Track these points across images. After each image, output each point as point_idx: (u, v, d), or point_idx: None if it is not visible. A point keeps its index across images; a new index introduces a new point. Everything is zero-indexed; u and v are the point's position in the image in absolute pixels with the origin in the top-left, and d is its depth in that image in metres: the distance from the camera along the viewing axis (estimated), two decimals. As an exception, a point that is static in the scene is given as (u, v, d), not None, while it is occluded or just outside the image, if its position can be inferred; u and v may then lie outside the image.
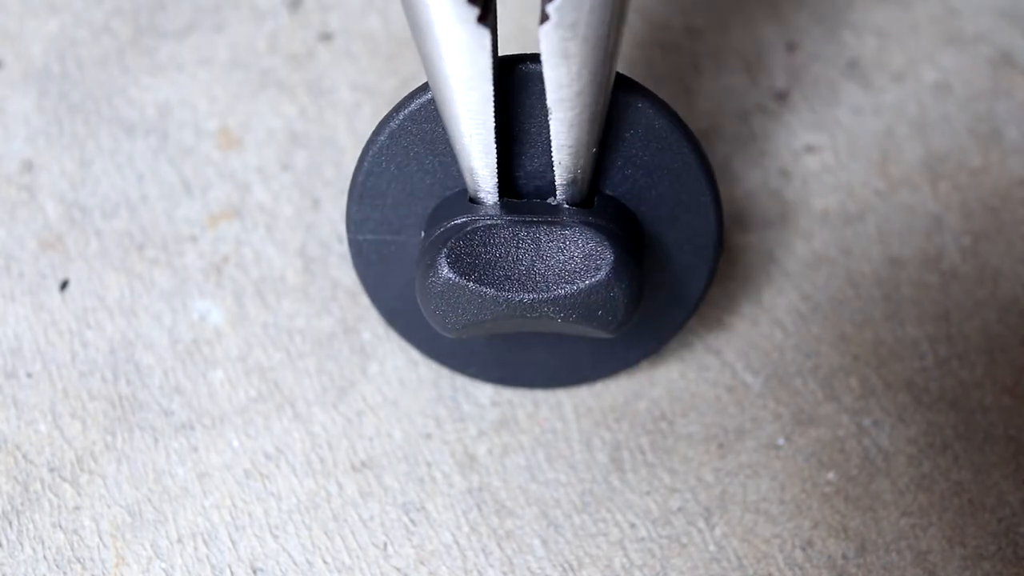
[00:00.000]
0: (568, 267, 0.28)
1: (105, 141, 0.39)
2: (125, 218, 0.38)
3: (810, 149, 0.39)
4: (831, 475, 0.33)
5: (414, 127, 0.29)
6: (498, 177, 0.28)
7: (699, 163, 0.29)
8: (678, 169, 0.29)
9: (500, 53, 0.27)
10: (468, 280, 0.28)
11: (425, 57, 0.25)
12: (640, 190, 0.29)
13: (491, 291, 0.28)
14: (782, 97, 0.40)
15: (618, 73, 0.28)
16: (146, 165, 0.39)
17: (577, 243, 0.28)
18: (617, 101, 0.28)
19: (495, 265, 0.28)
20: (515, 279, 0.28)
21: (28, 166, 0.39)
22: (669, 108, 0.29)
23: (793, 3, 0.43)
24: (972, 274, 0.36)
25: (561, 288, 0.28)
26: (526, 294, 0.28)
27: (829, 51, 0.42)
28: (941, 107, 0.40)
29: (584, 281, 0.28)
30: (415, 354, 0.35)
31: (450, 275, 0.28)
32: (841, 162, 0.39)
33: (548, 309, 0.28)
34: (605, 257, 0.28)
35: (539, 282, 0.28)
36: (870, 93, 0.40)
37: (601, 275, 0.28)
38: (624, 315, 0.28)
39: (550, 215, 0.28)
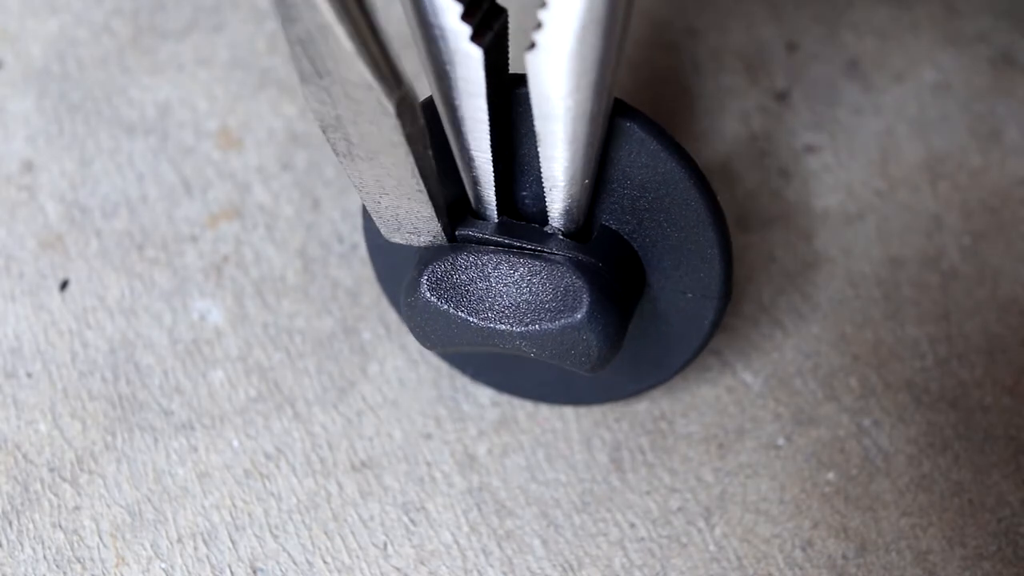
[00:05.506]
0: (545, 303, 0.27)
1: (105, 141, 0.39)
2: (125, 218, 0.38)
3: (810, 149, 0.39)
4: (831, 475, 0.33)
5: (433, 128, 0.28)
6: (497, 195, 0.27)
7: (709, 213, 0.28)
8: (686, 216, 0.28)
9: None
10: (445, 304, 0.28)
11: (424, 68, 0.25)
12: (645, 229, 0.28)
13: (466, 317, 0.28)
14: (782, 97, 0.40)
15: (633, 108, 0.27)
16: (146, 165, 0.39)
17: (558, 280, 0.27)
18: (625, 136, 0.27)
19: (473, 292, 0.28)
20: (491, 308, 0.28)
21: (28, 166, 0.39)
22: (682, 150, 0.27)
23: (793, 3, 0.43)
24: (972, 274, 0.36)
25: (536, 324, 0.27)
26: (500, 324, 0.28)
27: (829, 51, 0.42)
28: (941, 107, 0.40)
29: (558, 320, 0.27)
30: (415, 354, 0.35)
31: (428, 296, 0.28)
32: (841, 162, 0.39)
33: (521, 342, 0.28)
34: (582, 299, 0.27)
35: (515, 314, 0.28)
36: (870, 93, 0.40)
37: (576, 317, 0.27)
38: (598, 358, 0.28)
39: (540, 244, 0.28)
